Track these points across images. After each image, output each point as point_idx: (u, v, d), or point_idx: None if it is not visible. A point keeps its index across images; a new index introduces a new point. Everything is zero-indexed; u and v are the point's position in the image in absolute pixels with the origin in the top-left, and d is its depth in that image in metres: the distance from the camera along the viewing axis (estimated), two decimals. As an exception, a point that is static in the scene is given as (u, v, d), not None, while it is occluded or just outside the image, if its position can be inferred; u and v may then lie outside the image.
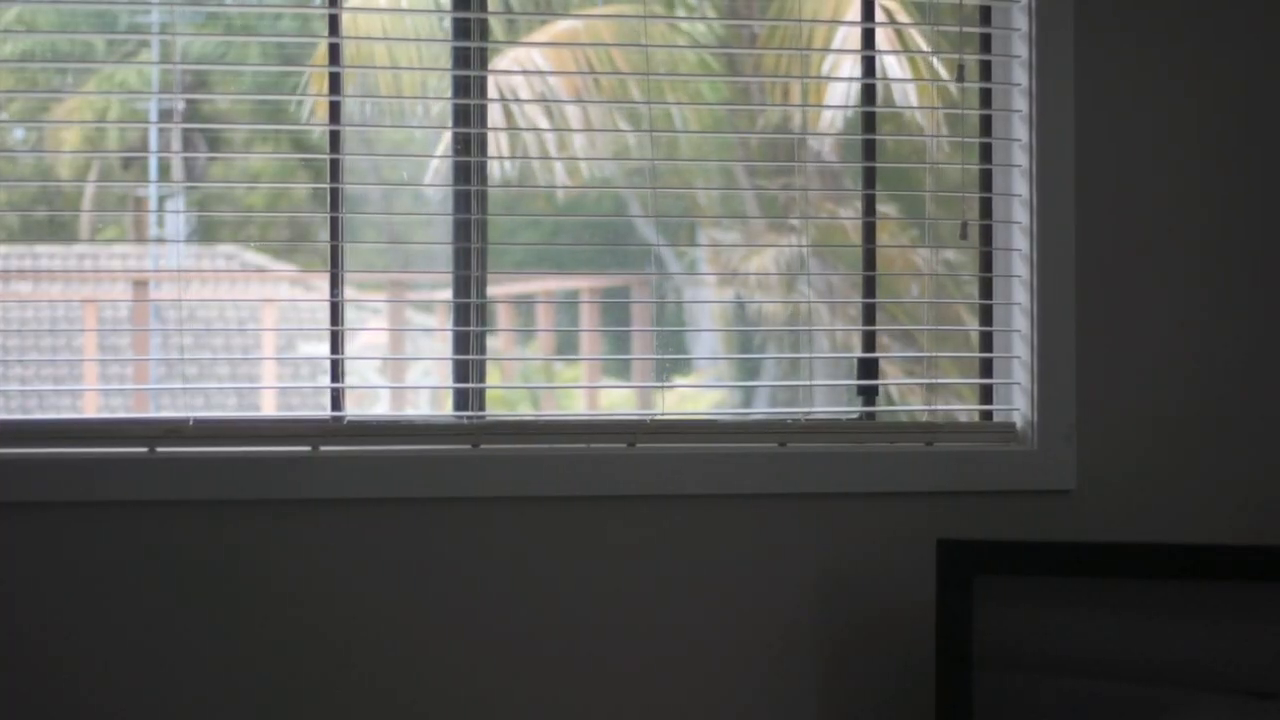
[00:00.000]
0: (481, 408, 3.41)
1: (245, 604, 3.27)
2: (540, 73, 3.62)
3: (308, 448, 3.32)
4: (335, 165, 3.36)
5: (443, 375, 3.48)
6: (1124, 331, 3.52)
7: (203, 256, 3.48)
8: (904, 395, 3.61)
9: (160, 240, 3.39)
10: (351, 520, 3.30)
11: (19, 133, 3.45)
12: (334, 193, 3.35)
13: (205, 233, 3.44)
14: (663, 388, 3.45)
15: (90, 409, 3.46)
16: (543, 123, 3.53)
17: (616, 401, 3.52)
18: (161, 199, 3.42)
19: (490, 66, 3.47)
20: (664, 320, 3.55)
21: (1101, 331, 3.51)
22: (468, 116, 3.42)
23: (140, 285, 3.52)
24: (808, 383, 3.50)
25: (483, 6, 3.42)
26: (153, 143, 3.44)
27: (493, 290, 3.46)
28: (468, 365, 3.40)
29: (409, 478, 3.32)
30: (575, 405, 3.65)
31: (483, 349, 3.41)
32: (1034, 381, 3.48)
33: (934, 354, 3.56)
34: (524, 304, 3.68)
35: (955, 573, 3.21)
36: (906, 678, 3.37)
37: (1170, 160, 3.54)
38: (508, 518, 3.35)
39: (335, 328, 3.37)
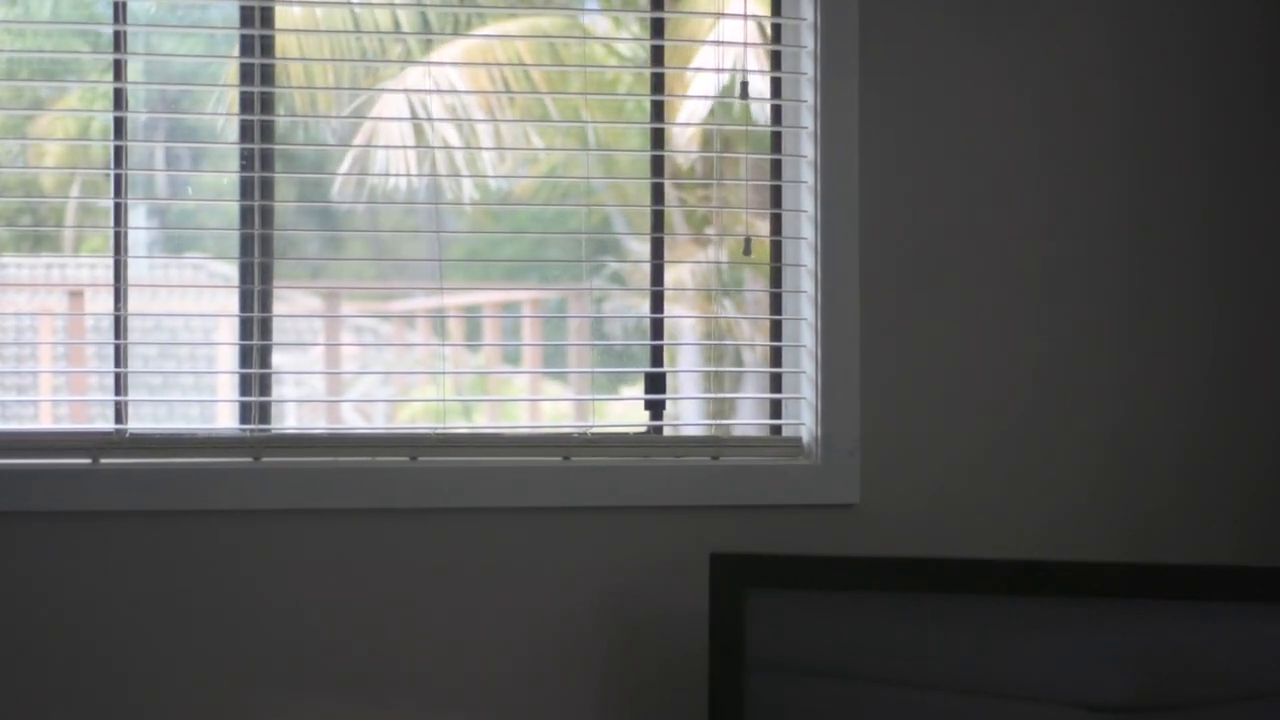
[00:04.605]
0: (266, 421, 3.42)
1: (20, 616, 3.27)
2: (335, 88, 3.62)
3: (88, 460, 3.32)
4: (119, 180, 3.38)
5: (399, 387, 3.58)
6: (908, 348, 3.56)
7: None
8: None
9: (77, 252, 3.40)
10: (131, 533, 3.31)
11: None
12: (117, 207, 3.38)
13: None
14: (444, 401, 3.48)
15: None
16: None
17: (563, 414, 3.52)
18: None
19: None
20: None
21: (886, 348, 3.54)
22: (258, 133, 3.44)
23: (75, 296, 3.54)
24: (595, 397, 3.52)
25: (268, 24, 3.44)
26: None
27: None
28: (252, 378, 3.42)
29: (190, 490, 3.33)
30: (518, 416, 3.65)
31: (267, 362, 3.42)
32: (819, 397, 3.51)
33: (721, 369, 3.59)
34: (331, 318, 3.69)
35: (728, 585, 3.22)
36: (686, 688, 3.40)
37: (955, 178, 3.57)
38: (289, 531, 3.36)
39: (118, 341, 3.37)
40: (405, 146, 3.52)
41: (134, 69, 3.42)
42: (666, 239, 3.58)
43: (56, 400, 3.48)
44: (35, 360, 3.48)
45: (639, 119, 3.61)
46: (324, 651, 3.37)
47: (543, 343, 3.66)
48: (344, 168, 3.55)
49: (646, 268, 3.58)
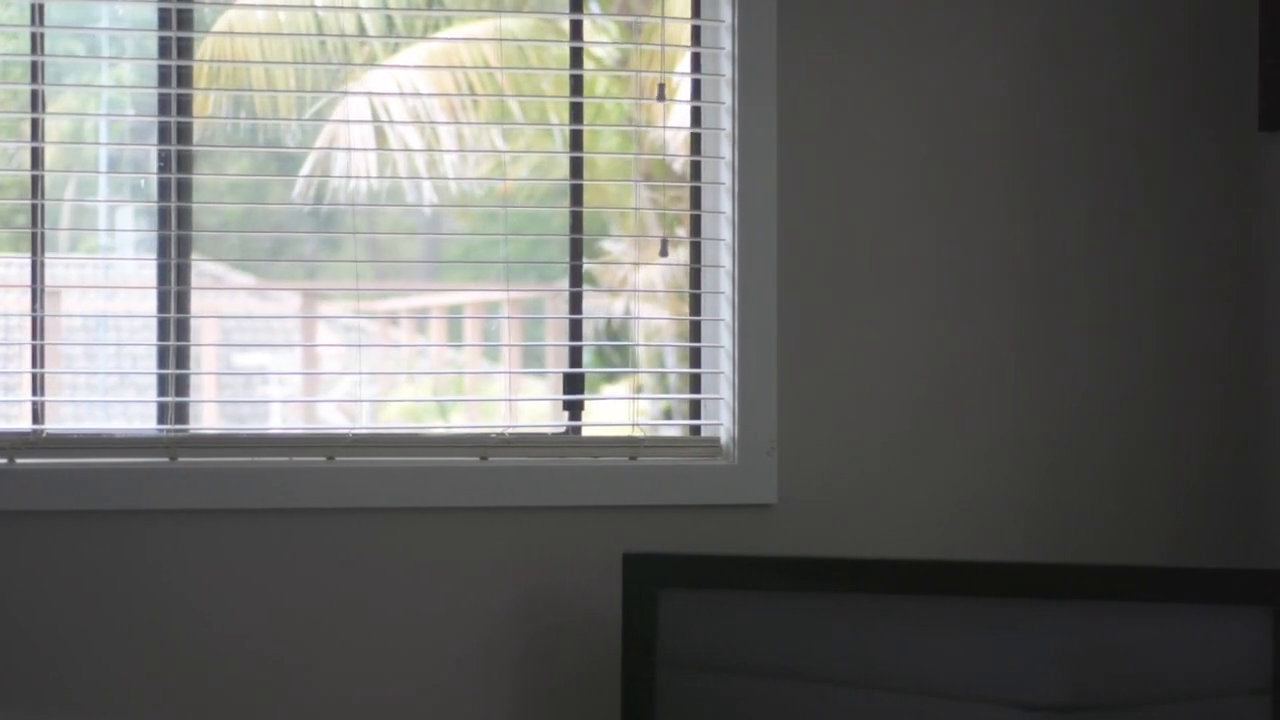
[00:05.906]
0: (183, 421, 3.43)
1: (-65, 616, 3.29)
2: (253, 90, 3.63)
3: (4, 460, 3.33)
4: (36, 181, 3.40)
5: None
6: (826, 349, 3.57)
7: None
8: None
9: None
10: (47, 533, 3.32)
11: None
12: (35, 208, 3.39)
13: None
14: (359, 402, 3.49)
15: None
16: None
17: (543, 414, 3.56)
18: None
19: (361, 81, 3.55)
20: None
21: (803, 349, 3.55)
22: (175, 134, 3.45)
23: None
24: (508, 398, 3.54)
25: (188, 26, 3.46)
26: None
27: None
28: (169, 379, 3.43)
29: (106, 491, 3.34)
30: (497, 415, 3.64)
31: (185, 363, 3.43)
32: (736, 397, 3.53)
33: (641, 369, 3.60)
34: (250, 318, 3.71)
35: (641, 586, 3.24)
36: (602, 688, 3.41)
37: (871, 181, 3.59)
38: (204, 531, 3.37)
39: (36, 341, 3.38)
40: (339, 148, 3.54)
41: (51, 73, 3.44)
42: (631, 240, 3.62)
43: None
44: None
45: (557, 120, 3.63)
46: (238, 652, 3.38)
47: (463, 343, 3.67)
48: (305, 169, 3.56)
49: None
